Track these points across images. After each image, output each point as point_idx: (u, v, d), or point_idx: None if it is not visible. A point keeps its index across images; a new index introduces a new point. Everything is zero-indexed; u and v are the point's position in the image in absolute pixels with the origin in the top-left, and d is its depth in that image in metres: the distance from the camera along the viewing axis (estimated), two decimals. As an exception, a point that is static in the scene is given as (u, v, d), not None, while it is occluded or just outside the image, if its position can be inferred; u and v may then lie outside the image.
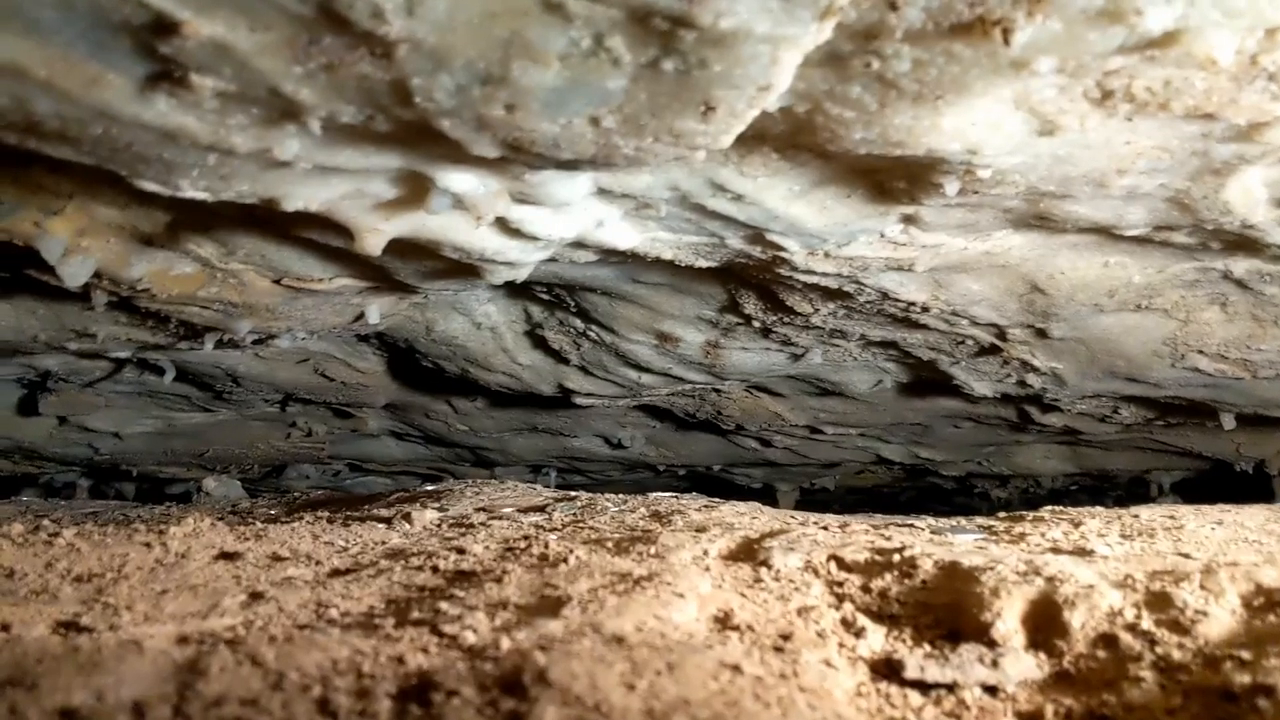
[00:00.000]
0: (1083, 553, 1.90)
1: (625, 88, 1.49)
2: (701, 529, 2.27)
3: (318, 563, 1.97)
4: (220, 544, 2.08)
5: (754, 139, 1.88)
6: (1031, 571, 1.69)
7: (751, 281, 3.03)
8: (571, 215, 2.22)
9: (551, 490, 3.41)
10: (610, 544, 2.06)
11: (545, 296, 3.46)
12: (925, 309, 3.03)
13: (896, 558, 1.83)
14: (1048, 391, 3.83)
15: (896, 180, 2.16)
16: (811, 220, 2.37)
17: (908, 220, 2.43)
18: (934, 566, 1.77)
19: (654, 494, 3.31)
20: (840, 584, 1.78)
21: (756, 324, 3.32)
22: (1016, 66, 1.50)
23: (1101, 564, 1.79)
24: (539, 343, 3.82)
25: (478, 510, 2.84)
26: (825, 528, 2.29)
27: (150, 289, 2.65)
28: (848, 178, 2.20)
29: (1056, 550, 1.94)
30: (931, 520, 2.71)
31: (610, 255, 2.68)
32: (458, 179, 1.98)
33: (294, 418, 5.12)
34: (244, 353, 3.90)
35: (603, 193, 2.22)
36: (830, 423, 4.66)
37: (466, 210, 2.11)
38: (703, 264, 2.70)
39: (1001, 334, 3.31)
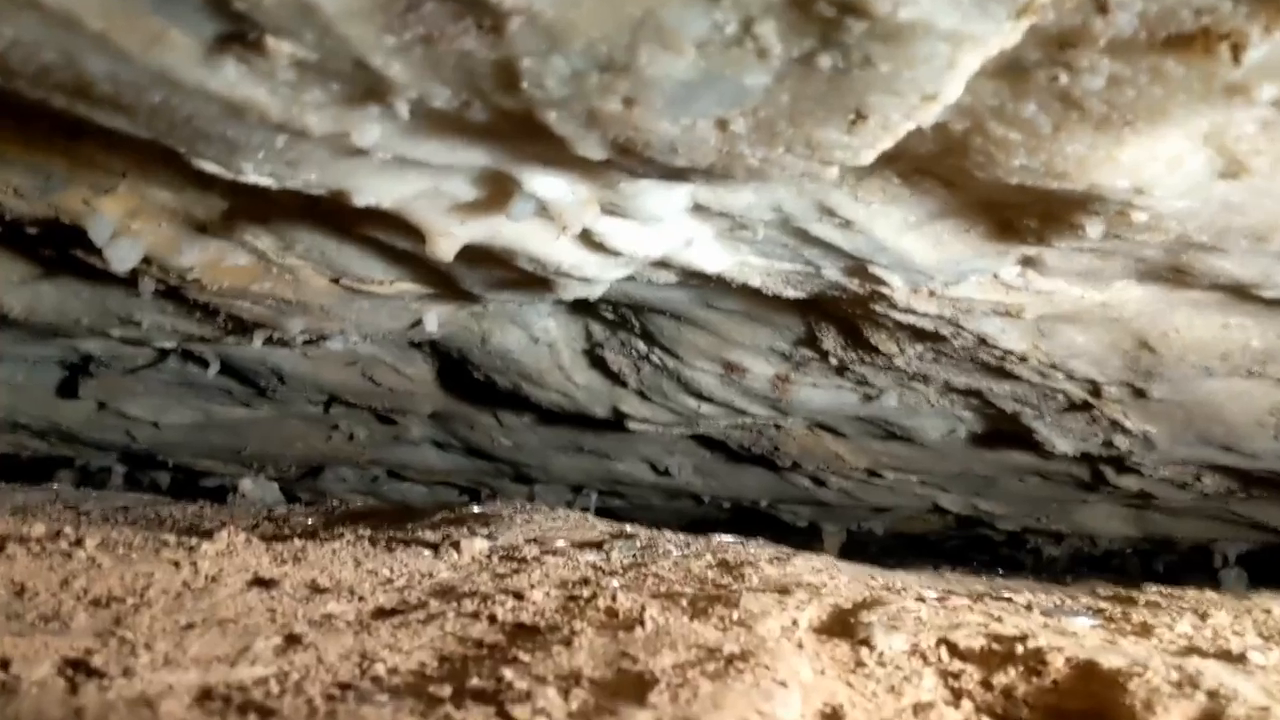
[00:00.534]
0: (1232, 658, 1.63)
1: (766, 86, 1.26)
2: (783, 590, 2.02)
3: (360, 598, 1.74)
4: (255, 567, 1.85)
5: (885, 160, 1.64)
6: (1186, 682, 1.43)
7: (836, 316, 2.79)
8: (661, 232, 1.99)
9: (603, 523, 3.16)
10: (685, 601, 1.81)
11: (609, 316, 3.24)
12: (1022, 359, 2.77)
13: (1019, 649, 1.57)
14: (1133, 454, 3.54)
15: (1028, 218, 1.91)
16: (922, 255, 2.12)
17: (1027, 262, 2.18)
18: (1066, 664, 1.51)
19: (716, 537, 3.06)
20: (956, 676, 1.52)
21: (833, 361, 3.07)
22: (1231, 92, 1.26)
23: (1261, 676, 1.53)
24: (597, 363, 3.59)
25: (529, 541, 2.60)
26: (923, 600, 2.03)
27: (200, 279, 2.44)
28: (971, 211, 1.96)
29: (1199, 652, 1.68)
30: (1029, 594, 2.44)
31: (691, 278, 2.45)
32: (546, 183, 1.75)
33: (336, 420, 4.92)
34: (292, 351, 3.70)
35: (698, 209, 1.99)
36: (891, 467, 4.39)
37: (550, 219, 1.88)
38: (790, 294, 2.46)
39: (1096, 390, 3.04)
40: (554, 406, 3.96)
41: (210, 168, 1.69)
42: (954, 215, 1.98)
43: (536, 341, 3.49)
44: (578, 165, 1.65)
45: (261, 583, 1.76)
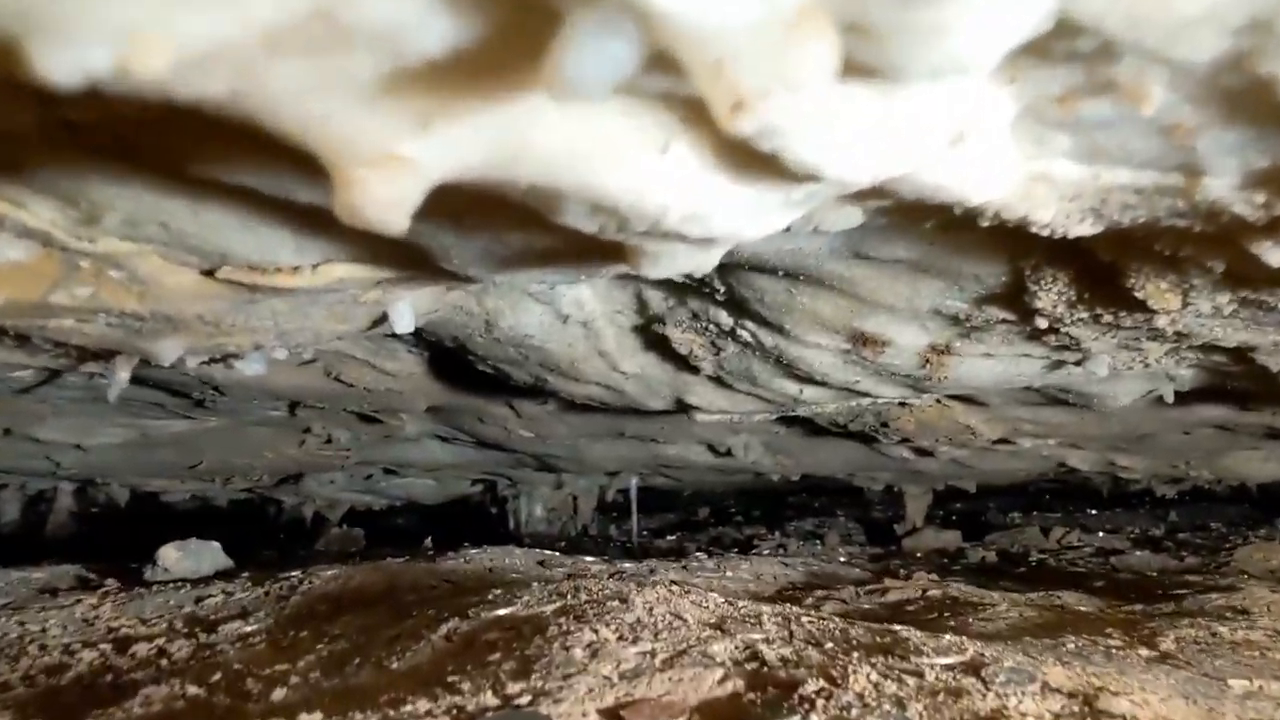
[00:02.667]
0: None
1: None
2: None
3: None
4: None
5: None
6: None
7: (1077, 259, 1.56)
8: (938, 109, 0.75)
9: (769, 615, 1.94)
10: None
11: (677, 278, 2.01)
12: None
13: None
14: None
15: None
16: None
17: None
18: None
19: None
20: None
21: (1041, 320, 1.85)
22: None
23: None
24: (655, 343, 2.36)
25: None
26: None
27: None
28: None
29: None
30: None
31: (878, 216, 1.22)
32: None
33: (307, 423, 3.70)
34: (256, 363, 2.46)
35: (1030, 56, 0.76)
36: (1033, 435, 3.19)
37: (649, 105, 0.66)
38: (1078, 230, 1.22)
39: None
40: (592, 402, 2.74)
41: None
42: None
43: (565, 321, 2.26)
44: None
45: None
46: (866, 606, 2.48)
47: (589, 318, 2.27)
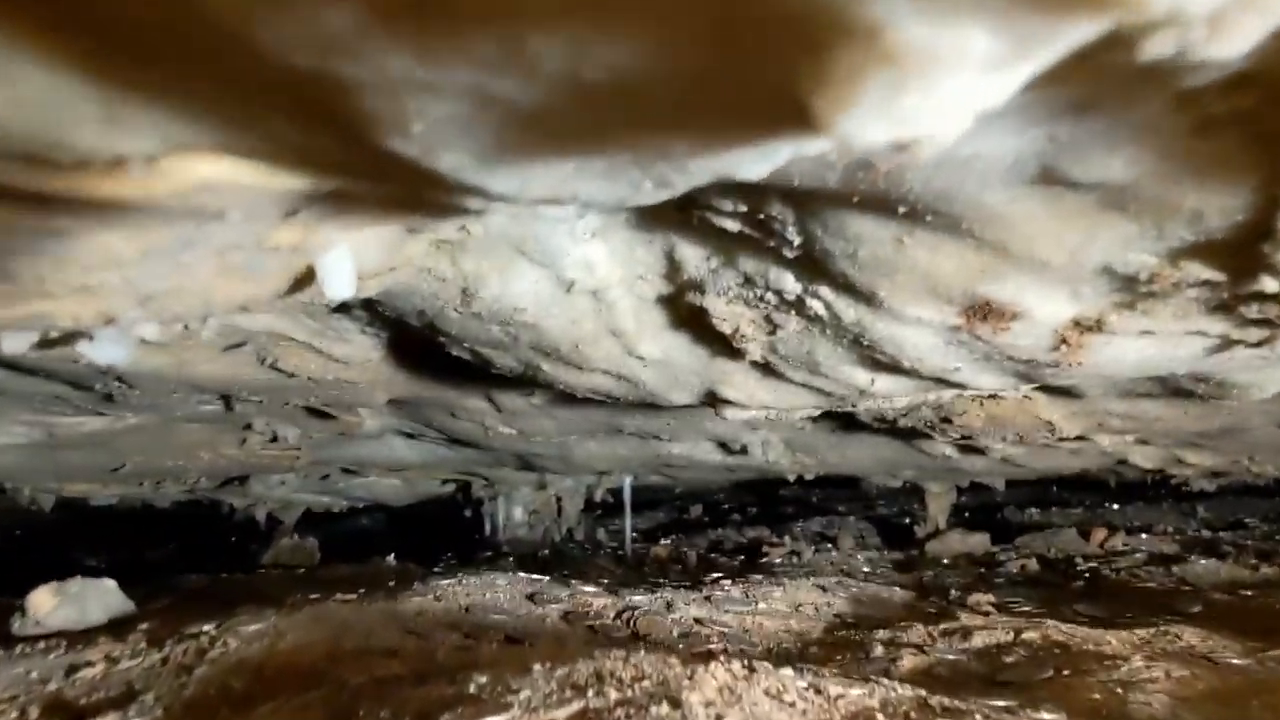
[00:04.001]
0: None
1: None
2: None
3: None
4: None
5: None
6: None
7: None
8: None
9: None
10: None
11: (728, 224, 1.39)
12: None
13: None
14: None
15: None
16: None
17: None
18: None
19: None
20: None
21: (1274, 281, 1.26)
22: None
23: None
24: (688, 320, 1.74)
25: None
26: None
27: None
28: None
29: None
30: None
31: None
32: None
33: (248, 418, 3.05)
34: (117, 340, 1.80)
35: None
36: (1115, 430, 2.61)
37: None
38: None
39: None
40: (596, 394, 2.11)
41: None
42: None
43: (570, 288, 1.63)
44: None
45: None
46: (954, 657, 1.88)
47: (601, 285, 1.64)
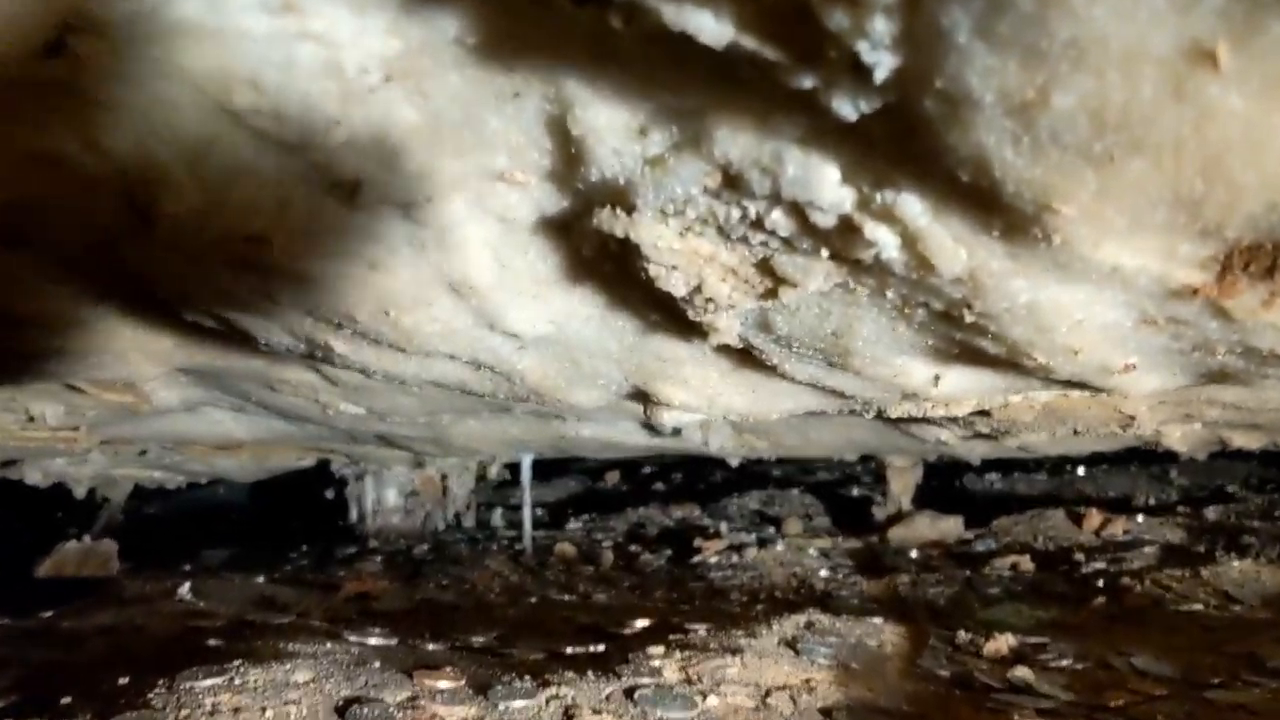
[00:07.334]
0: None
1: None
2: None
3: None
4: None
5: None
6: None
7: None
8: None
9: None
10: None
11: (705, 31, 0.51)
12: None
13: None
14: None
15: None
16: None
17: None
18: None
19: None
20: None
21: None
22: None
23: None
24: (600, 262, 0.85)
25: None
26: None
27: None
28: None
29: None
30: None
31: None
32: None
33: (-27, 393, 2.07)
34: None
35: None
36: (1210, 421, 1.83)
37: None
38: None
39: None
40: (448, 388, 1.21)
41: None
42: None
43: (354, 193, 0.73)
44: None
45: None
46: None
47: (429, 187, 0.74)
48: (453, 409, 2.15)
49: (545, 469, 4.22)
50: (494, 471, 3.26)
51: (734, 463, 2.76)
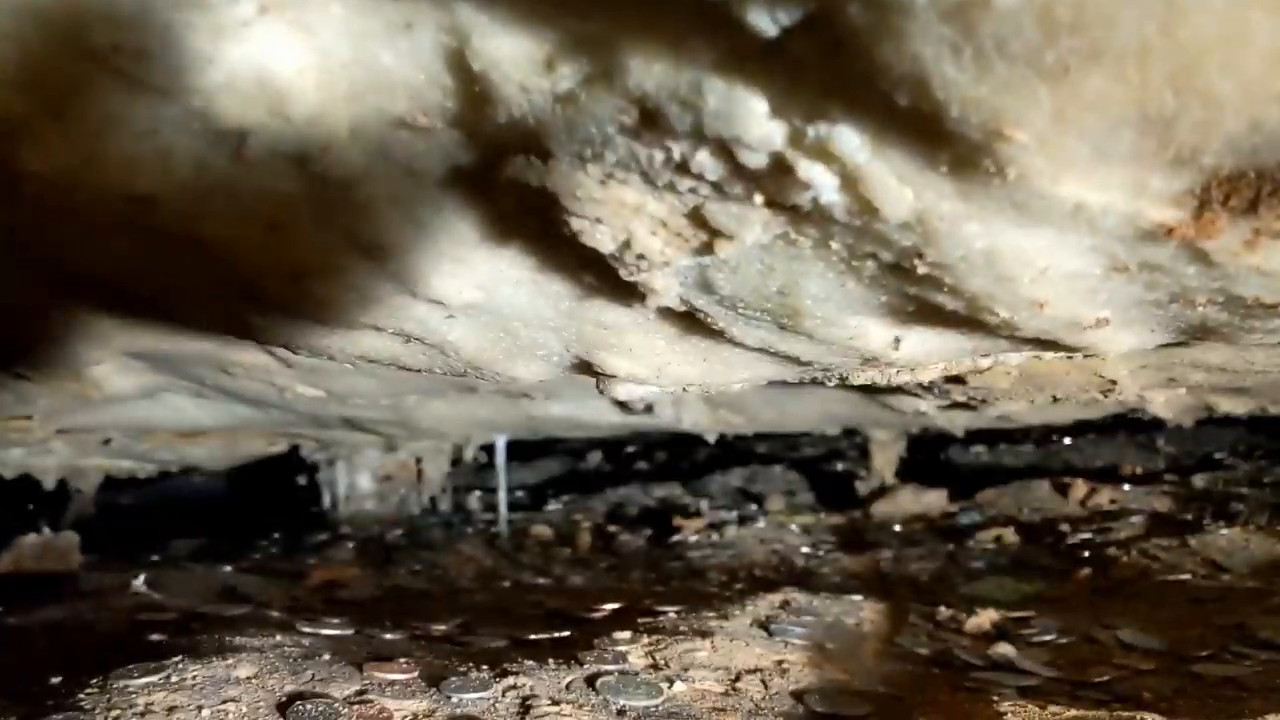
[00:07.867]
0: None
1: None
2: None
3: None
4: None
5: None
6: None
7: None
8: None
9: None
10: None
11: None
12: None
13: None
14: None
15: None
16: None
17: None
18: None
19: None
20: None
21: None
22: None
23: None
24: (523, 216, 0.78)
25: None
26: None
27: None
28: None
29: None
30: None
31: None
32: None
33: (-87, 383, 1.98)
34: None
35: None
36: (1194, 384, 1.77)
37: None
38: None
39: None
40: (379, 363, 1.13)
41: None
42: None
43: (238, 144, 0.66)
44: None
45: None
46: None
47: (311, 139, 0.67)
48: (415, 390, 2.07)
49: (526, 450, 4.15)
50: (469, 454, 3.18)
51: (711, 439, 2.69)
